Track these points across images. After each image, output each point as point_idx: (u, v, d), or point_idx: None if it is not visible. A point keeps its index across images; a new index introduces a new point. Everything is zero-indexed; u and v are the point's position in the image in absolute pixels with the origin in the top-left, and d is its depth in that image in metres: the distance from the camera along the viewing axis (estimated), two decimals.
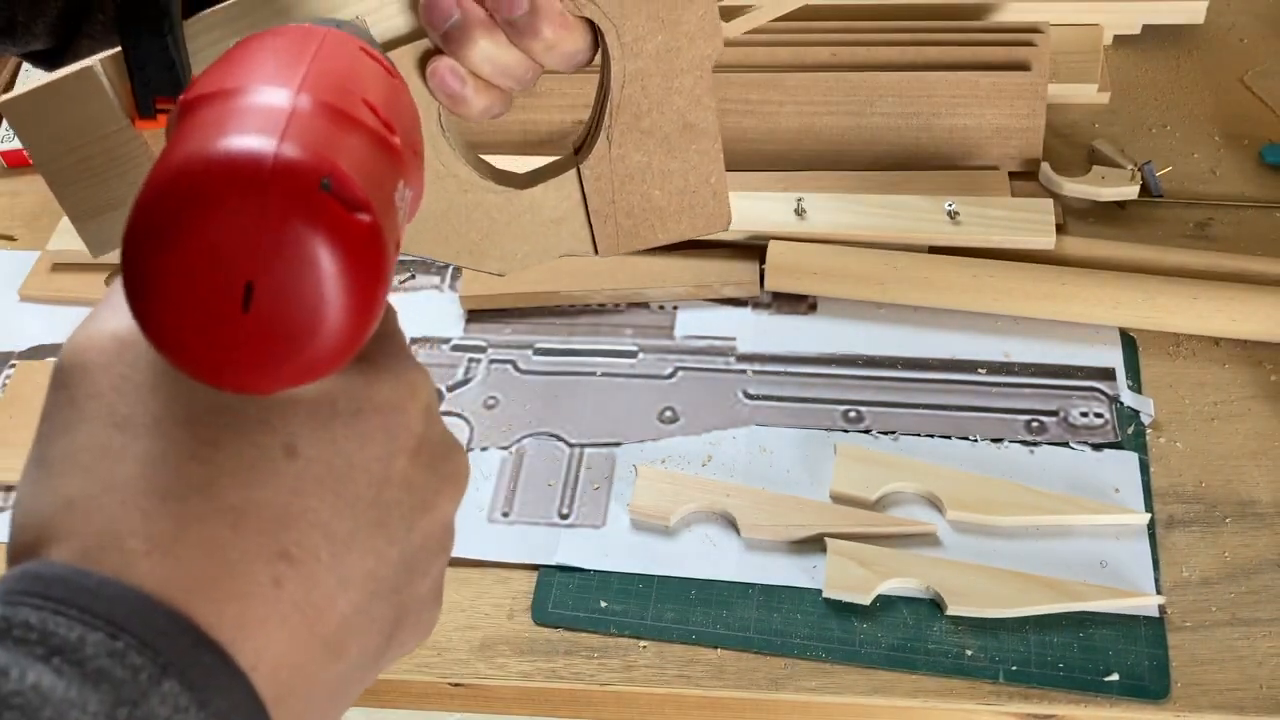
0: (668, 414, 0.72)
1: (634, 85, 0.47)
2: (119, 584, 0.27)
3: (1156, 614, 0.62)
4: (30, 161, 0.94)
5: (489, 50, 0.44)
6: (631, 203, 0.49)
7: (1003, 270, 0.74)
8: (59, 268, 0.84)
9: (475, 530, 0.68)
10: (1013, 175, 0.81)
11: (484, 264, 0.50)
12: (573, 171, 0.49)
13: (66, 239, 0.84)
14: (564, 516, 0.68)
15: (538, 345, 0.77)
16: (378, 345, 0.33)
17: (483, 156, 0.50)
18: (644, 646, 0.63)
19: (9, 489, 0.71)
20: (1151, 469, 0.67)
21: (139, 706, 0.25)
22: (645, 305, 0.78)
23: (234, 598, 0.28)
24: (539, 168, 0.51)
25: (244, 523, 0.29)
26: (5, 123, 0.94)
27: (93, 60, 0.47)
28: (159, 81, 0.47)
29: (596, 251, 0.50)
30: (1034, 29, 0.82)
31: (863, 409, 0.71)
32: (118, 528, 0.28)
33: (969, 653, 0.61)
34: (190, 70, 0.47)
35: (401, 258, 0.84)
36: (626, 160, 0.48)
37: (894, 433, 0.70)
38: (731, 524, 0.67)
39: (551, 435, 0.72)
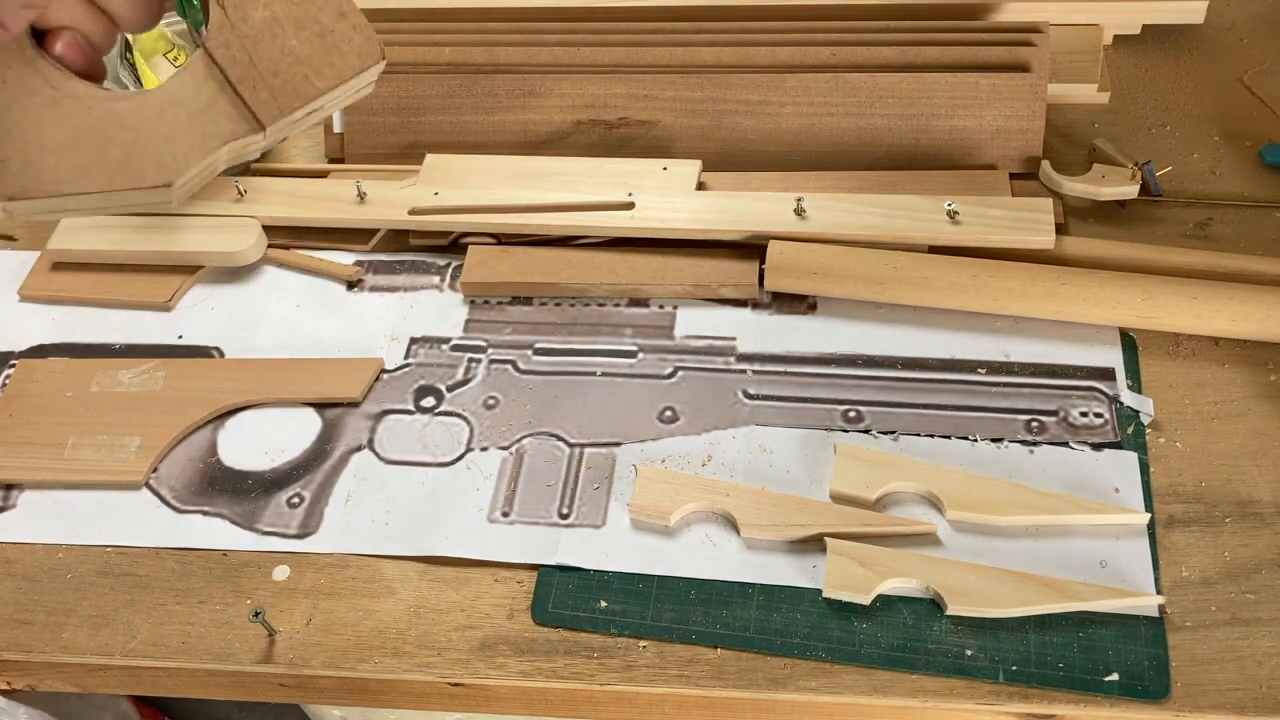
0: (668, 414, 0.72)
1: None
2: None
3: (1156, 614, 0.62)
4: None
5: None
6: (273, 60, 0.47)
7: (1003, 270, 0.74)
8: (59, 268, 0.84)
9: (475, 530, 0.68)
10: (1013, 175, 0.81)
11: (143, 180, 0.48)
12: (199, 52, 0.47)
13: (66, 239, 0.83)
14: (564, 516, 0.68)
15: (538, 345, 0.77)
16: None
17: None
18: (644, 646, 0.63)
19: (9, 488, 0.70)
20: (1151, 469, 0.67)
21: None
22: (645, 305, 0.78)
23: None
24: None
25: None
26: None
27: None
28: None
29: (261, 124, 0.48)
30: (1034, 29, 0.82)
31: (863, 409, 0.71)
32: None
33: (969, 653, 0.61)
34: None
35: (389, 257, 0.84)
36: (249, 20, 0.47)
37: (894, 433, 0.70)
38: (731, 524, 0.67)
39: (551, 435, 0.72)
